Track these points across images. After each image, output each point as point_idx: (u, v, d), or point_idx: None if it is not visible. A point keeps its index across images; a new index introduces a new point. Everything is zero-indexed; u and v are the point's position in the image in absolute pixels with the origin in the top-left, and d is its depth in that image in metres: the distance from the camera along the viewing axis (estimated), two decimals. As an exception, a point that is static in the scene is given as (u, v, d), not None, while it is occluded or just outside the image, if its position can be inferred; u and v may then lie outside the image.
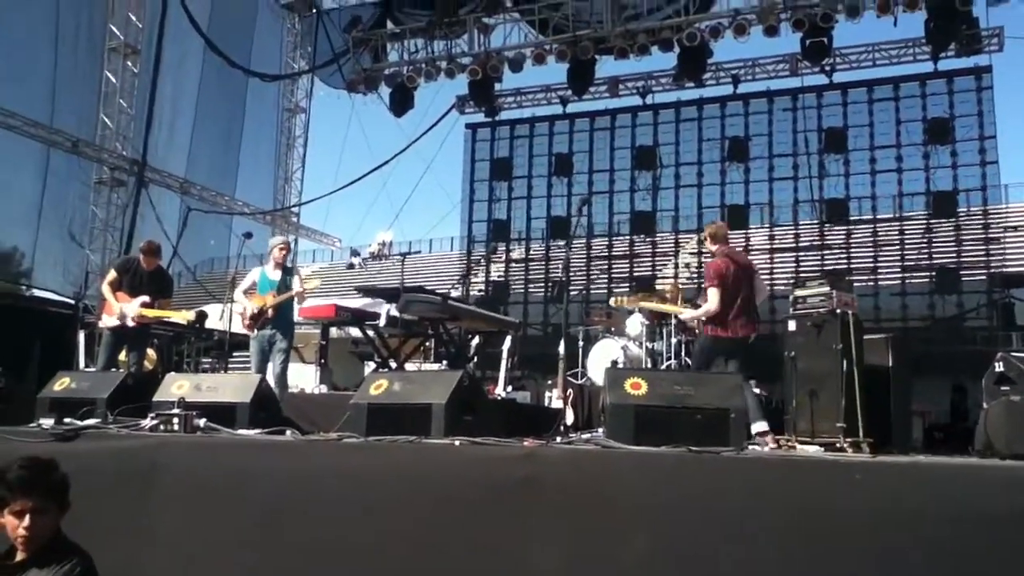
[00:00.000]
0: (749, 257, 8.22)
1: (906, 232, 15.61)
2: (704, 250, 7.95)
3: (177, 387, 5.95)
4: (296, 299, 8.17)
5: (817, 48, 13.50)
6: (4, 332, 10.10)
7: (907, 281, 15.33)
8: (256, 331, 8.07)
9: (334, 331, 10.92)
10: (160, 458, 5.06)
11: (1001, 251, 15.33)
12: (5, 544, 3.03)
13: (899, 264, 15.61)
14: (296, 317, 8.76)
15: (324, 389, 9.42)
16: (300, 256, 27.14)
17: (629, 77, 16.99)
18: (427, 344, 9.56)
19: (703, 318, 7.07)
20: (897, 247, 15.67)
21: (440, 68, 15.05)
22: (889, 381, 6.08)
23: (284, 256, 8.31)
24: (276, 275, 8.17)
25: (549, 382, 10.87)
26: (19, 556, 2.99)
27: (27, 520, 2.93)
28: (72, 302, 13.60)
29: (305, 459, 4.89)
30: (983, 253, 15.08)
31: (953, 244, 15.32)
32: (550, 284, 17.24)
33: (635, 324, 10.07)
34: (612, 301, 9.91)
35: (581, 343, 10.26)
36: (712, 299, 6.81)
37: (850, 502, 3.63)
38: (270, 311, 7.99)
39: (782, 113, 16.22)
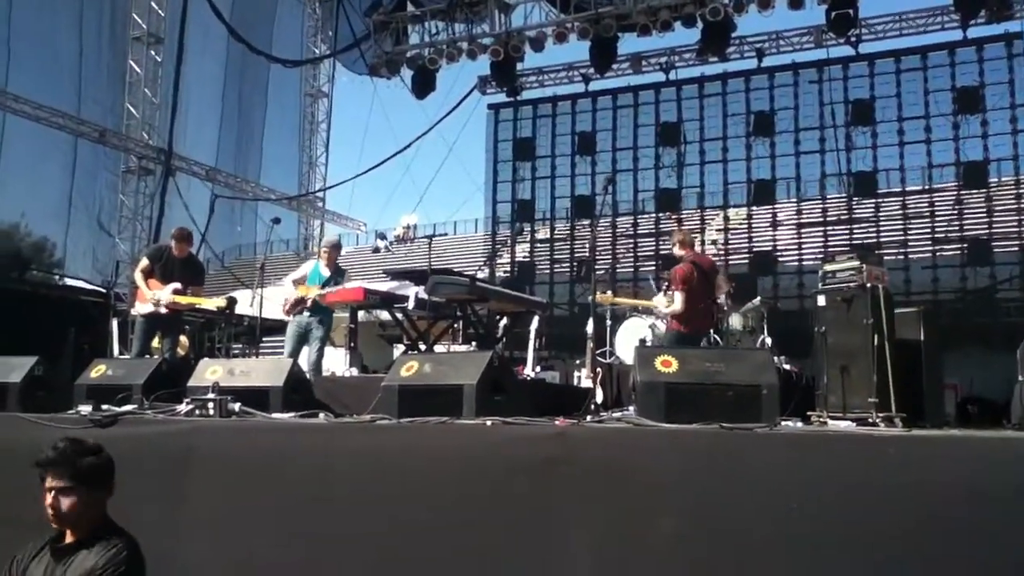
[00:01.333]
0: (712, 259, 9.35)
1: (936, 204, 15.41)
2: (674, 253, 8.34)
3: (211, 372, 6.03)
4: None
5: (842, 19, 13.30)
6: (39, 321, 10.26)
7: (938, 253, 15.15)
8: (293, 316, 8.28)
9: (362, 315, 10.98)
10: (196, 442, 5.14)
11: (1034, 221, 15.09)
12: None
13: (929, 236, 15.42)
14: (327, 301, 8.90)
15: (355, 372, 9.48)
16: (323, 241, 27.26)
17: (652, 53, 16.85)
18: (455, 326, 9.59)
19: (664, 315, 8.25)
20: (927, 219, 15.48)
21: (461, 49, 14.99)
22: (921, 355, 6.01)
23: (331, 256, 8.77)
24: (326, 273, 8.60)
25: (577, 362, 10.88)
26: (68, 539, 3.07)
27: (50, 498, 3.04)
28: (104, 290, 13.77)
29: (338, 441, 4.95)
30: (1015, 223, 14.86)
31: (984, 215, 15.11)
32: (576, 264, 17.21)
33: (663, 302, 10.04)
34: (599, 297, 10.32)
35: (609, 322, 10.24)
36: (677, 302, 7.88)
37: (884, 477, 3.62)
38: (310, 301, 8.33)
39: (808, 86, 16.03)
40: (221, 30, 16.73)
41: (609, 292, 10.06)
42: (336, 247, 9.08)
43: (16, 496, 4.18)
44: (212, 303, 8.97)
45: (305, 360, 8.30)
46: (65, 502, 3.04)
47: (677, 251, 8.26)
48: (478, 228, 24.36)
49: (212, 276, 21.80)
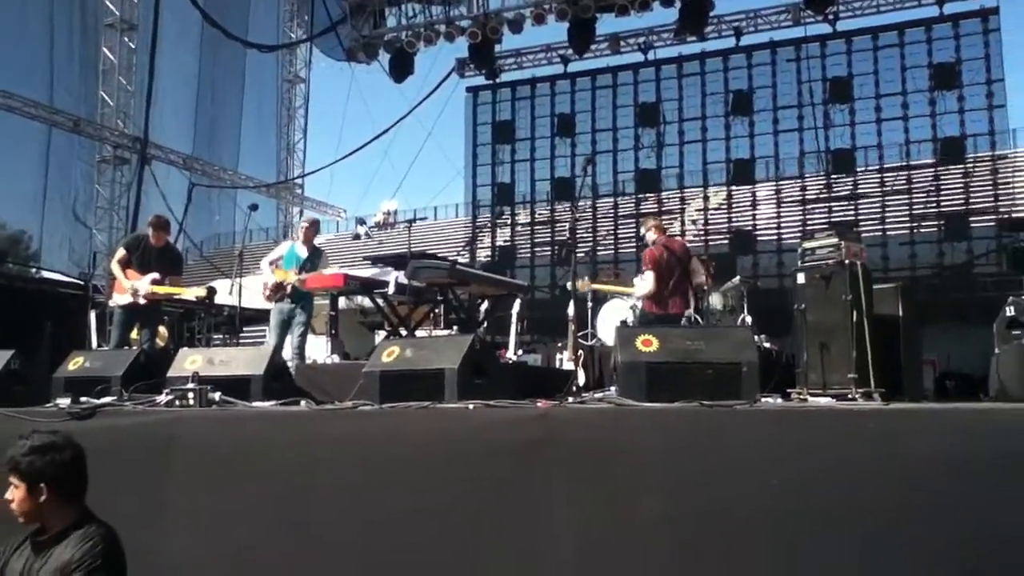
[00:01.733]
0: (685, 244, 9.23)
1: (914, 180, 15.51)
2: (646, 238, 8.47)
3: (190, 362, 5.98)
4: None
5: (820, -4, 13.32)
6: (15, 314, 10.17)
7: (916, 230, 15.26)
8: (275, 303, 8.19)
9: (343, 302, 10.94)
10: (177, 432, 5.10)
11: (1010, 196, 15.22)
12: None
13: (907, 213, 15.53)
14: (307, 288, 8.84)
15: (336, 359, 9.46)
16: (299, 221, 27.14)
17: (630, 33, 16.82)
18: (436, 311, 9.57)
19: (637, 296, 8.40)
20: (905, 196, 15.58)
21: (439, 32, 14.91)
22: (899, 331, 6.06)
23: (308, 234, 8.51)
24: (303, 252, 8.36)
25: (559, 344, 10.89)
26: (47, 532, 3.07)
27: (8, 492, 3.08)
28: (82, 282, 13.65)
29: (321, 428, 4.92)
30: (992, 199, 14.99)
31: (961, 191, 15.23)
32: (556, 246, 17.22)
33: (651, 282, 10.04)
34: (578, 284, 10.52)
35: (590, 304, 10.24)
36: (648, 281, 8.00)
37: (864, 451, 3.65)
38: (289, 287, 8.15)
39: (786, 64, 16.10)
40: (196, 16, 16.53)
41: (586, 278, 10.06)
42: (314, 225, 8.82)
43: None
44: (191, 293, 8.90)
45: (289, 346, 8.23)
46: (15, 498, 3.07)
47: (650, 236, 8.35)
48: (459, 213, 24.33)
49: (191, 265, 21.67)
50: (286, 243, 8.64)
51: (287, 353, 8.00)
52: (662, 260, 8.06)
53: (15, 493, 3.07)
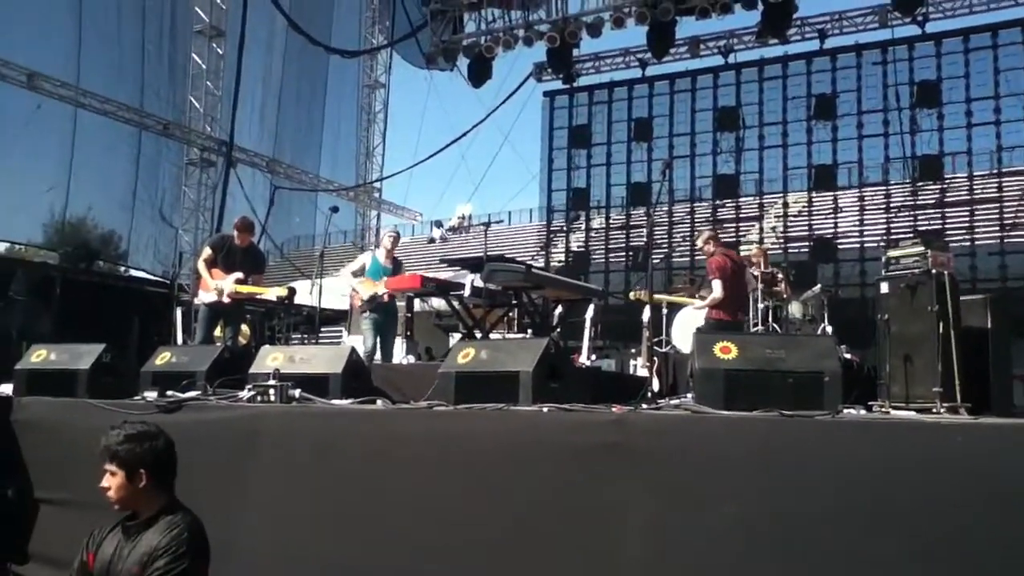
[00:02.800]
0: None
1: (1005, 188, 14.94)
2: (705, 250, 8.72)
3: (272, 359, 6.12)
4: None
5: (909, -3, 12.95)
6: (106, 310, 10.57)
7: (1006, 239, 14.70)
8: (368, 312, 8.51)
9: (418, 304, 11.07)
10: (258, 427, 5.24)
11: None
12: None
13: (997, 222, 14.97)
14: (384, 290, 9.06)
15: (411, 360, 9.57)
16: (383, 231, 27.54)
17: (710, 36, 16.61)
18: (511, 314, 9.60)
19: (709, 305, 8.41)
20: (995, 204, 15.02)
21: (518, 36, 14.97)
22: (988, 344, 5.84)
23: (392, 244, 8.87)
24: (388, 263, 8.70)
25: (633, 350, 10.82)
26: (138, 518, 3.21)
27: (103, 479, 3.21)
28: (168, 281, 14.12)
29: (397, 427, 4.99)
30: (1089, 208, 14.37)
31: (1057, 199, 14.64)
32: (631, 251, 17.10)
33: (719, 289, 9.91)
34: (631, 295, 10.44)
35: (665, 311, 10.15)
36: (717, 289, 8.25)
37: (950, 465, 3.53)
38: (385, 297, 8.45)
39: (871, 67, 15.70)
40: (281, 22, 16.97)
41: (639, 289, 10.31)
42: (398, 237, 9.22)
43: (86, 479, 4.32)
44: (273, 292, 9.12)
45: (381, 350, 8.57)
46: (110, 484, 3.19)
47: (710, 247, 8.63)
48: (533, 217, 24.38)
49: (272, 266, 22.19)
50: (367, 254, 8.94)
51: (378, 357, 8.29)
52: (727, 268, 8.39)
53: (112, 480, 3.19)
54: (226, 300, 8.19)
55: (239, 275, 8.18)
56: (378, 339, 8.54)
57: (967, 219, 15.22)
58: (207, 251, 8.57)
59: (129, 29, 18.62)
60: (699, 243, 9.01)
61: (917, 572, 3.46)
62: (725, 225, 16.81)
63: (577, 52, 15.90)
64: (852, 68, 15.86)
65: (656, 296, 9.96)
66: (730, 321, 8.28)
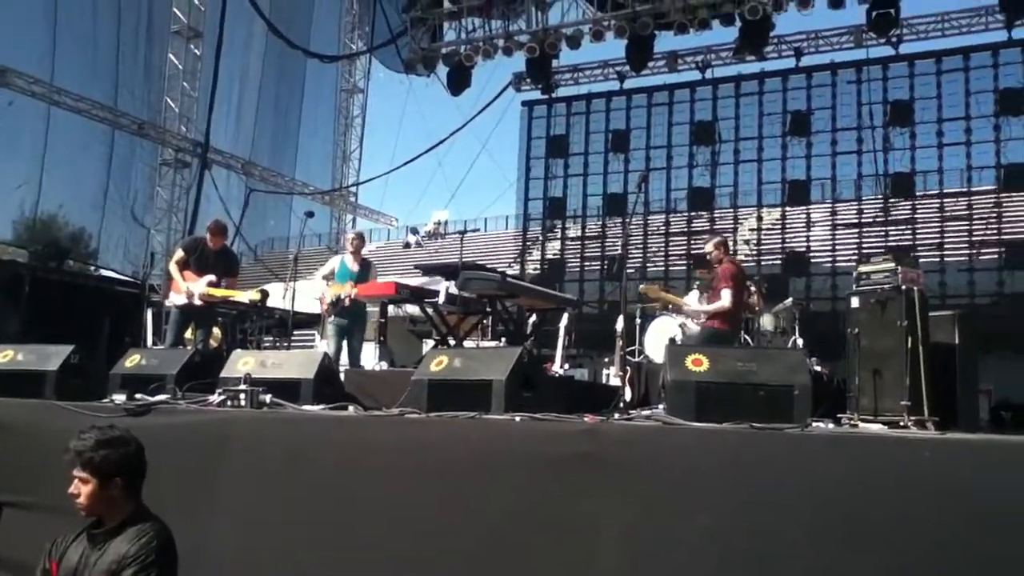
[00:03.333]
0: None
1: (975, 207, 15.16)
2: (714, 256, 8.28)
3: (243, 363, 6.07)
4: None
5: (884, 19, 13.16)
6: (76, 310, 10.42)
7: (975, 257, 14.91)
8: (334, 317, 8.45)
9: (391, 310, 11.03)
10: (228, 432, 5.19)
11: (1075, 225, 14.82)
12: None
13: (967, 239, 15.19)
14: (357, 296, 9.00)
15: (384, 366, 9.52)
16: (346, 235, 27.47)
17: (688, 51, 16.77)
18: (485, 322, 9.59)
19: (710, 312, 8.05)
20: (965, 222, 15.24)
21: (497, 46, 15.00)
22: (955, 359, 5.92)
23: (357, 246, 8.85)
24: (355, 266, 8.66)
25: (606, 360, 10.84)
26: (104, 526, 3.14)
27: (72, 486, 3.13)
28: (139, 281, 13.96)
29: (368, 433, 4.96)
30: (1056, 228, 14.62)
31: (1024, 218, 14.88)
32: (606, 261, 17.17)
33: (693, 301, 9.98)
34: (640, 288, 10.25)
35: (638, 321, 10.19)
36: (726, 298, 7.76)
37: (918, 479, 3.58)
38: (347, 300, 8.38)
39: (846, 86, 15.89)
40: (260, 25, 16.91)
41: (657, 285, 10.03)
42: (360, 238, 9.15)
43: (51, 482, 4.26)
44: (246, 296, 9.05)
45: (348, 354, 8.59)
46: (83, 491, 3.12)
47: (717, 253, 8.17)
48: (509, 225, 24.38)
49: (245, 268, 22.03)
50: (337, 257, 8.90)
51: (344, 361, 8.20)
52: (739, 277, 7.98)
53: (84, 487, 3.11)
54: (198, 303, 8.12)
55: (211, 278, 8.12)
56: (343, 343, 8.54)
57: (937, 236, 15.43)
58: (179, 253, 8.50)
59: (105, 28, 18.48)
60: (708, 248, 8.39)
61: (883, 585, 3.49)
62: (699, 236, 16.91)
63: (556, 63, 15.98)
64: (827, 86, 16.06)
65: (667, 296, 9.82)
66: (728, 332, 7.90)
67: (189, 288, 8.12)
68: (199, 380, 6.11)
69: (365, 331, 8.84)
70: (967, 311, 10.31)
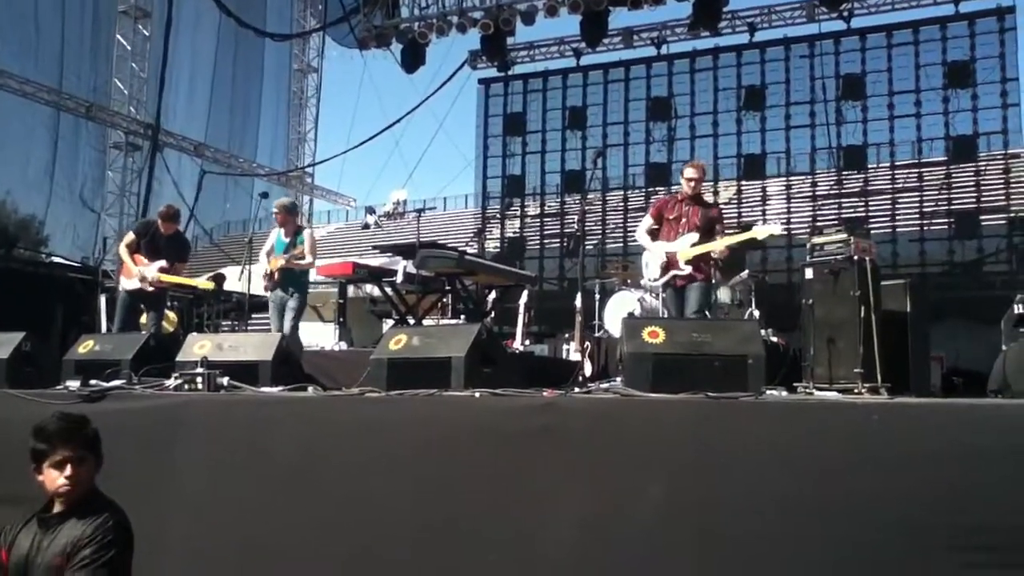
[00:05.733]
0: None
1: (925, 178, 15.43)
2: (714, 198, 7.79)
3: (199, 347, 6.02)
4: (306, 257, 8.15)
5: (835, -7, 13.28)
6: (26, 298, 10.24)
7: (926, 227, 15.20)
8: (270, 292, 8.18)
9: (351, 290, 10.98)
10: (185, 416, 5.15)
11: (1022, 195, 15.13)
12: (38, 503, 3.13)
13: (918, 210, 15.47)
14: (314, 276, 8.86)
15: (344, 347, 9.50)
16: (316, 217, 27.20)
17: (643, 27, 16.77)
18: (444, 300, 9.61)
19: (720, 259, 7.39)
20: (916, 193, 15.51)
21: (452, 23, 14.90)
22: (907, 327, 6.07)
23: (282, 218, 8.30)
24: (285, 237, 8.24)
25: (566, 335, 10.91)
26: (56, 509, 3.08)
27: (68, 469, 3.03)
28: (92, 266, 13.73)
29: (328, 414, 4.96)
30: (1003, 197, 14.92)
31: (973, 189, 15.16)
32: (565, 238, 17.21)
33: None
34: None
35: (598, 296, 10.26)
36: (722, 244, 7.12)
37: (868, 444, 3.66)
38: (275, 273, 8.04)
39: (799, 60, 16.00)
40: (211, 3, 16.56)
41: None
42: (286, 208, 8.47)
43: (5, 472, 4.19)
44: (200, 283, 8.95)
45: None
46: (82, 471, 3.06)
47: (701, 178, 7.32)
48: (468, 204, 24.34)
49: (202, 252, 21.79)
50: (274, 231, 8.44)
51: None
52: None
53: (81, 467, 3.05)
54: (149, 288, 8.02)
55: (163, 263, 8.02)
56: (283, 320, 8.08)
57: (889, 207, 15.68)
58: (130, 236, 8.38)
59: (47, 9, 18.01)
60: (693, 173, 7.18)
61: (837, 547, 3.57)
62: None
63: (512, 40, 15.89)
64: (780, 61, 16.15)
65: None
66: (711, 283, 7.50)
67: (141, 272, 8.01)
68: (155, 364, 6.05)
69: (301, 308, 8.29)
70: (918, 280, 10.54)
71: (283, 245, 8.18)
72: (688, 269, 6.97)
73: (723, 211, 7.32)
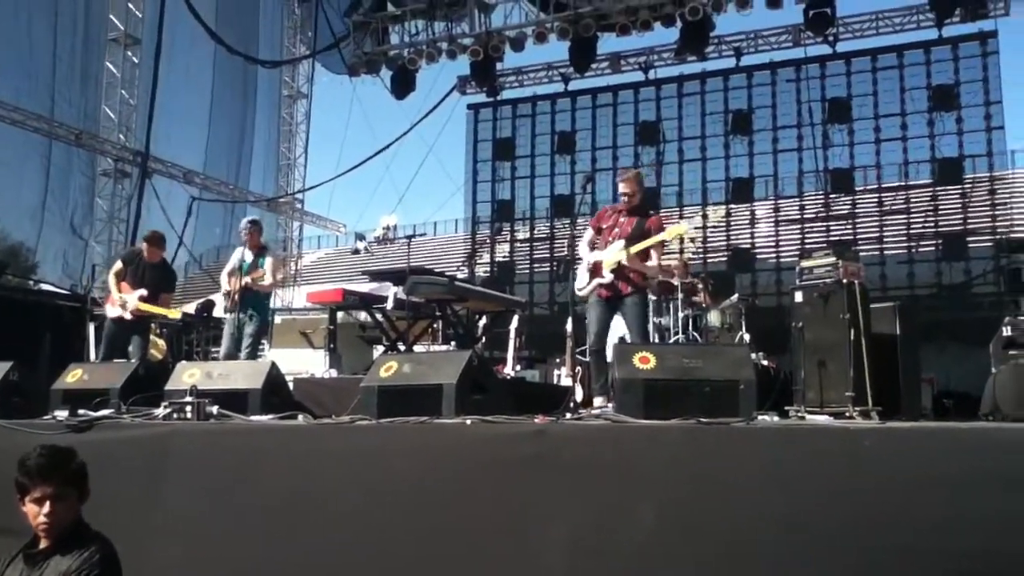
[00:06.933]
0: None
1: (912, 200, 15.54)
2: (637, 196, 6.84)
3: (188, 375, 5.99)
4: (265, 279, 8.07)
5: (820, 18, 13.42)
6: (14, 326, 10.15)
7: (913, 249, 15.29)
8: (228, 313, 8.07)
9: (341, 316, 10.95)
10: (174, 445, 5.11)
11: (1008, 216, 15.26)
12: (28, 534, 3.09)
13: (905, 232, 15.56)
14: (303, 302, 8.83)
15: (334, 374, 9.45)
16: (305, 243, 27.12)
17: (631, 53, 16.89)
18: (435, 326, 9.58)
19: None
20: (903, 215, 15.61)
21: (441, 49, 14.96)
22: (897, 349, 6.07)
23: (249, 238, 8.25)
24: (248, 256, 8.18)
25: (557, 360, 10.90)
26: (43, 544, 3.04)
27: (47, 507, 2.98)
28: (81, 294, 13.64)
29: (318, 442, 4.93)
30: (989, 219, 15.03)
31: (959, 211, 15.27)
32: (555, 263, 17.23)
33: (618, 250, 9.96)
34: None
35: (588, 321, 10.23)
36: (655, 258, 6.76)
37: (860, 469, 3.66)
38: (235, 295, 7.95)
39: (785, 84, 16.14)
40: (204, 32, 16.57)
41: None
42: (247, 227, 8.40)
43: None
44: (174, 313, 8.91)
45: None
46: (62, 508, 3.01)
47: (637, 190, 6.87)
48: (458, 228, 24.34)
49: (192, 278, 21.71)
50: (238, 250, 8.35)
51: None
52: None
53: (62, 503, 3.01)
54: (128, 316, 7.98)
55: (143, 292, 7.99)
56: (236, 348, 7.97)
57: (877, 230, 15.77)
58: (118, 264, 8.39)
59: (40, 37, 18.01)
60: (627, 186, 6.85)
61: (829, 572, 3.55)
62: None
63: (500, 66, 15.98)
64: (767, 85, 16.29)
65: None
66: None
67: (123, 299, 7.99)
68: (144, 394, 6.01)
69: (260, 333, 8.19)
70: (907, 302, 10.57)
71: (246, 265, 8.10)
72: (610, 277, 6.49)
73: (664, 221, 6.84)
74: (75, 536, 3.05)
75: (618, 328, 9.67)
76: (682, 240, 17.15)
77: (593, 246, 6.91)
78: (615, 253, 6.52)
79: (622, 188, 6.85)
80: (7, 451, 3.25)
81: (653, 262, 6.64)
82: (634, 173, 7.10)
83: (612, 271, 6.50)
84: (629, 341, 6.38)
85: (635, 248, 6.47)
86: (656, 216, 6.86)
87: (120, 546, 3.16)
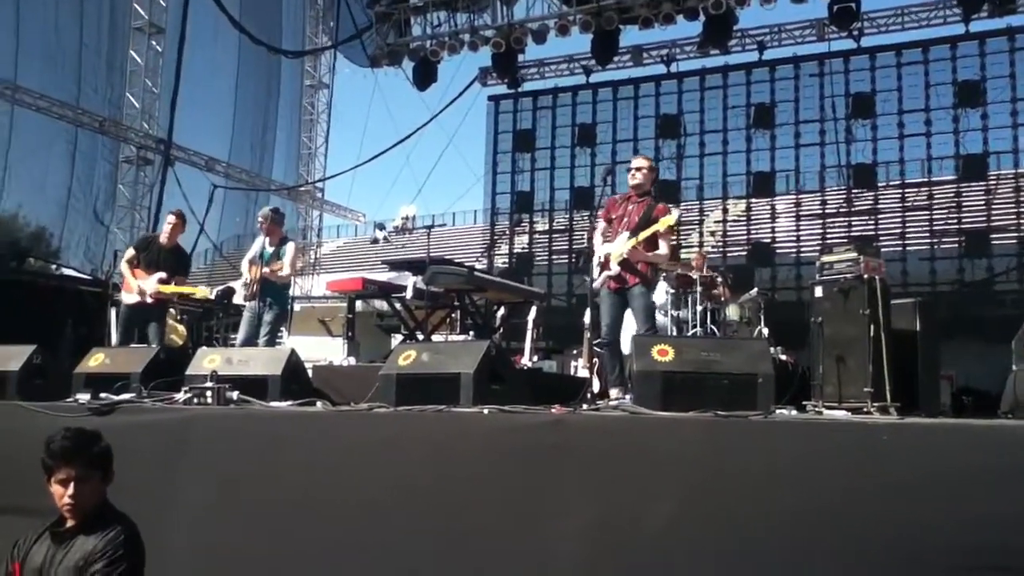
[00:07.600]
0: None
1: (935, 196, 15.41)
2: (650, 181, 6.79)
3: (209, 361, 6.04)
4: (283, 271, 8.03)
5: (845, 13, 13.32)
6: (37, 310, 10.27)
7: (936, 246, 15.16)
8: (248, 301, 8.04)
9: (360, 305, 11.00)
10: (194, 430, 5.16)
11: (1032, 214, 15.10)
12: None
13: (928, 228, 15.44)
14: (323, 291, 8.87)
15: (352, 362, 9.50)
16: (325, 231, 27.23)
17: (653, 46, 16.83)
18: (453, 316, 9.61)
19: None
20: (926, 211, 15.49)
21: (463, 41, 14.96)
22: (917, 346, 6.03)
23: (267, 227, 8.17)
24: (269, 246, 8.13)
25: (575, 352, 10.89)
26: (69, 523, 3.10)
27: (71, 488, 3.05)
28: (103, 280, 13.77)
29: (336, 429, 4.97)
30: (1014, 216, 14.88)
31: (983, 208, 15.13)
32: (574, 254, 17.22)
33: (660, 293, 10.03)
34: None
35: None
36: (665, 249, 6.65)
37: (877, 464, 3.65)
38: (254, 283, 7.91)
39: (809, 79, 16.03)
40: (227, 20, 16.66)
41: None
42: (269, 217, 8.26)
43: (16, 484, 4.21)
44: (200, 292, 8.98)
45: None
46: (85, 490, 3.07)
47: (652, 176, 6.84)
48: (477, 219, 24.39)
49: (211, 265, 21.86)
50: (259, 239, 8.28)
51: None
52: None
53: (85, 485, 3.06)
54: (148, 300, 8.04)
55: (162, 275, 8.05)
56: (253, 333, 7.87)
57: (899, 226, 15.65)
58: (130, 251, 8.50)
59: (67, 26, 18.17)
60: (640, 168, 6.79)
61: (845, 566, 3.55)
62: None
63: (522, 58, 15.96)
64: (790, 79, 16.19)
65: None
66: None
67: (140, 286, 8.05)
68: (164, 378, 6.07)
69: (278, 322, 8.11)
70: (928, 299, 10.47)
71: (266, 255, 8.07)
72: (617, 270, 6.36)
73: (670, 207, 6.62)
74: (100, 517, 3.11)
75: (632, 320, 9.67)
76: (702, 234, 17.14)
77: (605, 238, 6.78)
78: (622, 245, 6.44)
79: (632, 164, 6.74)
80: (30, 433, 3.32)
81: (663, 250, 6.51)
82: (650, 159, 7.00)
83: (619, 263, 6.42)
84: (635, 331, 6.28)
85: (639, 236, 6.38)
86: (664, 205, 6.69)
87: (142, 527, 3.21)
